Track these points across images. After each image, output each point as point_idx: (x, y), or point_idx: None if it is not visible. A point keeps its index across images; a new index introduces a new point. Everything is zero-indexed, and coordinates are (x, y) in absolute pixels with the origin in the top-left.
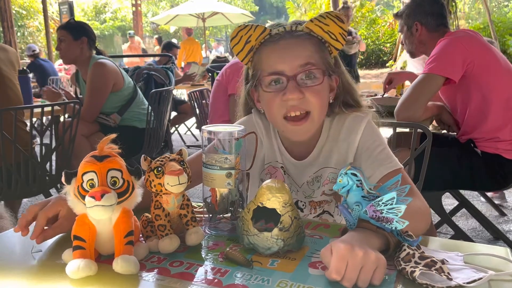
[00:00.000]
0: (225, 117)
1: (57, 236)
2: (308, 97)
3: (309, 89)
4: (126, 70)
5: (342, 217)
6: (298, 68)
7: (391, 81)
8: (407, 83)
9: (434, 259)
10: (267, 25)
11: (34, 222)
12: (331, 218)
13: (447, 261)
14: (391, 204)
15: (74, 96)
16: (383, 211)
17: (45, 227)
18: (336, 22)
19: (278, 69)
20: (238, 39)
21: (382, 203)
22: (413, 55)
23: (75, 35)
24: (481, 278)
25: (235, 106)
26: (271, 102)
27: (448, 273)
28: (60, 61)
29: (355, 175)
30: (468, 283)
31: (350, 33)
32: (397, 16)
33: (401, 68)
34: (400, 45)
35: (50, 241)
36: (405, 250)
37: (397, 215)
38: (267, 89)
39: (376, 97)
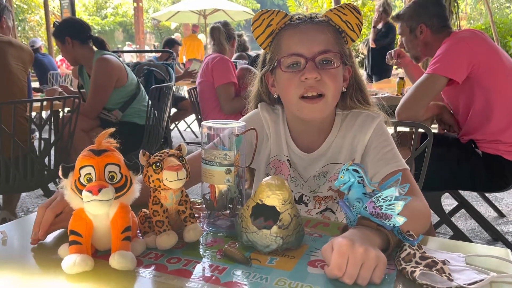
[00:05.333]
0: (217, 108)
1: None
2: (324, 79)
3: (326, 71)
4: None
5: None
6: (316, 52)
7: (400, 55)
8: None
9: (435, 259)
10: None
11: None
12: (333, 216)
13: (449, 262)
14: (390, 200)
15: (76, 90)
16: (382, 207)
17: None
18: (354, 13)
19: (298, 51)
20: (260, 22)
21: (382, 199)
22: (417, 59)
23: (61, 38)
24: (482, 280)
25: (223, 95)
26: (289, 82)
27: (449, 273)
28: (60, 56)
29: (356, 171)
30: (469, 284)
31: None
32: (397, 18)
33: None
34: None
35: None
36: (406, 250)
37: (395, 212)
38: (286, 70)
39: (377, 96)
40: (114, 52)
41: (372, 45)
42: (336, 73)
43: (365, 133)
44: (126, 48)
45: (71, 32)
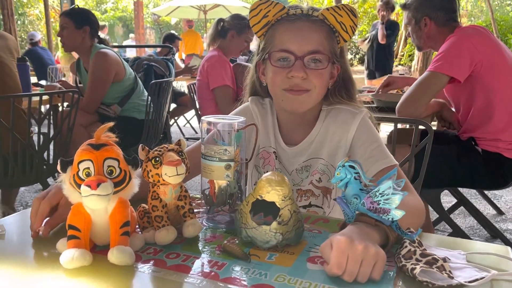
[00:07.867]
0: (214, 107)
1: None
2: (310, 78)
3: (313, 71)
4: (126, 60)
5: (331, 209)
6: (307, 52)
7: (389, 84)
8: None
9: (435, 256)
10: None
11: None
12: (321, 211)
13: (449, 259)
14: (388, 195)
15: (74, 85)
16: (380, 202)
17: (47, 218)
18: (350, 15)
19: (289, 48)
20: (257, 11)
21: (379, 193)
22: (420, 49)
23: (78, 23)
24: (483, 278)
25: (222, 98)
26: (276, 75)
27: (450, 271)
28: (60, 52)
29: (352, 167)
30: (469, 282)
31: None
32: (404, 7)
33: (401, 64)
34: (402, 42)
35: None
36: (406, 247)
37: (392, 206)
38: (275, 64)
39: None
40: (113, 47)
41: (382, 41)
42: (323, 72)
43: (348, 130)
44: (129, 41)
45: (92, 23)
